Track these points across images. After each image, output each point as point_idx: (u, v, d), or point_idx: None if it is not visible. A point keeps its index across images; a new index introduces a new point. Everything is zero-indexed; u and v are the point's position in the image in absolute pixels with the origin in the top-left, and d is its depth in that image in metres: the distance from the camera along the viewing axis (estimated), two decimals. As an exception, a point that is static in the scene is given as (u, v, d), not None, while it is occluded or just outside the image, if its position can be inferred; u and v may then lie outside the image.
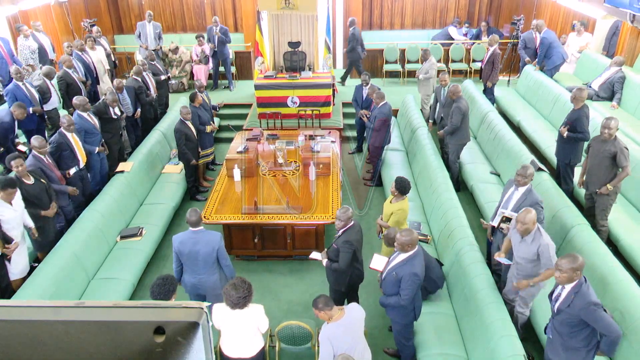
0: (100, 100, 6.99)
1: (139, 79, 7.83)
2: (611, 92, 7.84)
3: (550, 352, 3.70)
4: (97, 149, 6.39)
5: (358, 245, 4.38)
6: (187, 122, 6.65)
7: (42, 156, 5.34)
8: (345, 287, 4.53)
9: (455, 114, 6.60)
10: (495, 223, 4.82)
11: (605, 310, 3.38)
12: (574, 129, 5.75)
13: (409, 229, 4.02)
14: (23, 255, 4.87)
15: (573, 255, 3.43)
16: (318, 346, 4.29)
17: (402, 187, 4.87)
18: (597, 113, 7.05)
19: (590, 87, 8.02)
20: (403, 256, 3.92)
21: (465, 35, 11.66)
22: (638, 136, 6.67)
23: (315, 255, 4.63)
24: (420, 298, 4.15)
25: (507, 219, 4.56)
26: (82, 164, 6.00)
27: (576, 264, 3.35)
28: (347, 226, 4.32)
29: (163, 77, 8.68)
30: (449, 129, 6.74)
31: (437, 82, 8.13)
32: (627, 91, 7.74)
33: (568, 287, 3.44)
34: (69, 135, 5.82)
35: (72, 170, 5.83)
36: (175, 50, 10.36)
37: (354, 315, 3.57)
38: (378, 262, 4.55)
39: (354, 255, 4.36)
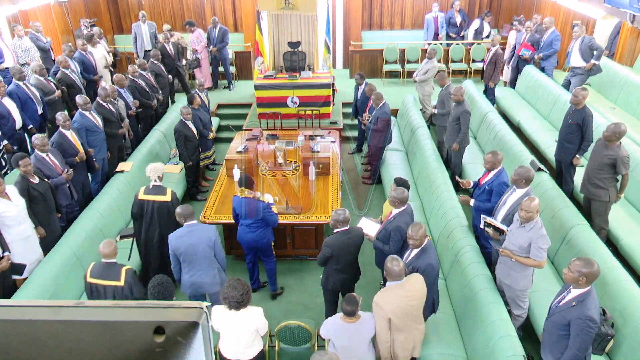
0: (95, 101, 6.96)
1: (135, 79, 7.79)
2: (591, 56, 7.96)
3: (542, 352, 3.72)
4: (107, 155, 6.53)
5: (337, 252, 4.27)
6: (187, 122, 6.64)
7: (43, 154, 5.34)
8: (323, 283, 4.55)
9: (463, 118, 6.49)
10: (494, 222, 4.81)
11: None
12: (580, 129, 5.73)
13: (418, 223, 4.04)
14: (35, 249, 4.88)
15: (589, 260, 3.28)
16: (318, 346, 4.30)
17: (403, 184, 4.89)
18: (597, 113, 7.05)
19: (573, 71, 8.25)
20: (416, 250, 3.98)
21: (436, 20, 11.15)
22: (638, 136, 6.67)
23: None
24: (437, 291, 4.16)
25: (489, 225, 4.54)
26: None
27: (586, 269, 3.22)
28: (338, 229, 4.31)
29: (167, 76, 8.68)
30: (461, 137, 6.60)
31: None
32: (627, 91, 7.74)
33: (575, 292, 3.34)
34: (67, 133, 5.82)
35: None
36: (170, 33, 10.02)
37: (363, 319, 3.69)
38: (368, 227, 4.74)
39: (333, 260, 4.33)
